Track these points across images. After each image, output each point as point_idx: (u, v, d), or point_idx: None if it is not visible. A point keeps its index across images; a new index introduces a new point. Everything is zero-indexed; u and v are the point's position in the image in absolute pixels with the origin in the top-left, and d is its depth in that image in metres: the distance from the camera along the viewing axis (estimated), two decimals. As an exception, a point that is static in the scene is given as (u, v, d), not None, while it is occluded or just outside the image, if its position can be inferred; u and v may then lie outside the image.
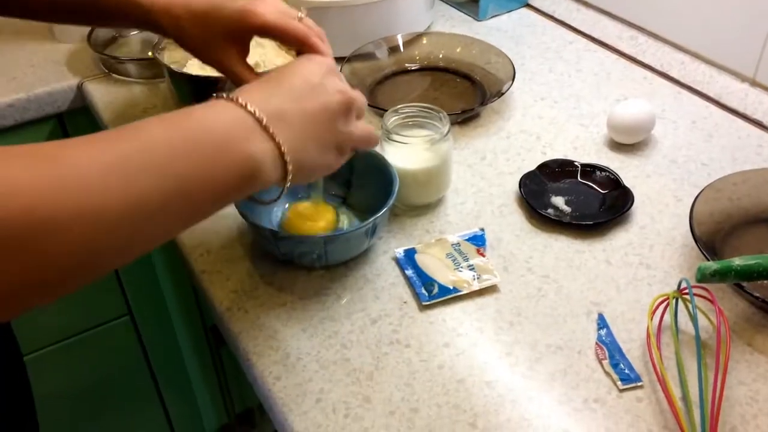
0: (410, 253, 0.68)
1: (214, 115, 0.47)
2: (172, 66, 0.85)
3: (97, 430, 1.29)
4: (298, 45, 0.60)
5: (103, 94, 0.94)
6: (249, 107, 0.47)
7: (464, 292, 0.64)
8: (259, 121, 0.47)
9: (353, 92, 0.55)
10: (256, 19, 0.59)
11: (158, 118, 0.45)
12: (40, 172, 0.38)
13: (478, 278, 0.65)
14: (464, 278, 0.65)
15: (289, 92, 0.51)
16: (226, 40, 0.63)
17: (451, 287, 0.64)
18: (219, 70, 0.65)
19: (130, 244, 0.42)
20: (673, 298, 0.59)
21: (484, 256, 0.67)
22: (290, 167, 0.49)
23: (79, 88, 0.97)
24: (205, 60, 0.66)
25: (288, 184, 0.50)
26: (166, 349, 1.27)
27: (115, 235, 0.40)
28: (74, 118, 1.01)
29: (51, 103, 0.97)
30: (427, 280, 0.65)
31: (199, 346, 1.07)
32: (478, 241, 0.69)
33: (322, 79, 0.53)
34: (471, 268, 0.66)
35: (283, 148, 0.48)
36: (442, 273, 0.65)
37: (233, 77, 0.64)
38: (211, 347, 0.95)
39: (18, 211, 0.36)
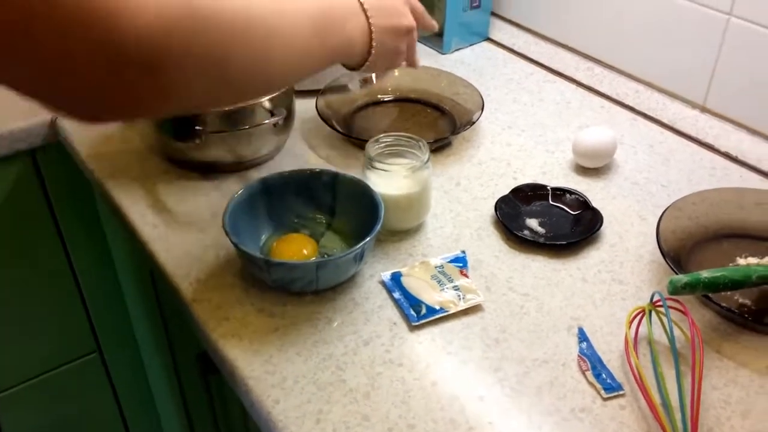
0: (396, 276, 0.70)
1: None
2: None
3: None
4: None
5: (77, 130, 0.94)
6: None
7: (451, 311, 0.67)
8: (365, 10, 0.66)
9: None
10: None
11: None
12: None
13: (462, 298, 0.68)
14: (449, 299, 0.68)
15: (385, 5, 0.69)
16: None
17: (438, 308, 0.67)
18: None
19: (258, 59, 0.52)
20: (648, 310, 0.63)
21: (467, 276, 0.70)
22: (374, 44, 0.67)
23: (52, 124, 0.97)
24: None
25: (371, 57, 0.68)
26: (135, 385, 1.26)
27: (252, 43, 0.50)
28: (47, 154, 1.01)
29: (23, 138, 0.97)
30: (414, 302, 0.67)
31: (170, 380, 1.06)
32: (460, 262, 0.72)
33: (404, 7, 0.72)
34: (455, 288, 0.69)
35: (372, 30, 0.66)
36: (428, 294, 0.68)
37: None
38: (179, 376, 0.95)
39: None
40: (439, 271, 0.71)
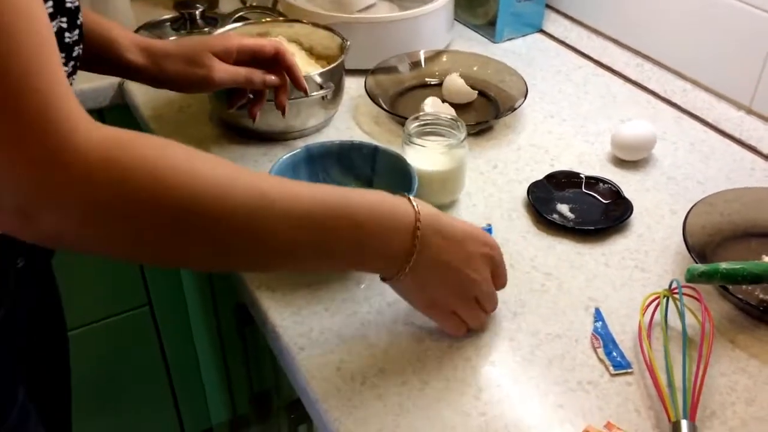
0: None
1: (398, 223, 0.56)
2: (211, 68, 0.91)
3: (105, 416, 1.34)
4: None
5: (143, 93, 1.01)
6: (418, 225, 0.56)
7: None
8: (416, 236, 0.56)
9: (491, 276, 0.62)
10: (214, 86, 0.79)
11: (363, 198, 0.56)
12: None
13: None
14: None
15: (449, 247, 0.59)
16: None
17: None
18: None
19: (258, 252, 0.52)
20: (664, 296, 0.65)
21: None
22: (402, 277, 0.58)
23: (120, 87, 1.04)
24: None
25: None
26: (181, 338, 1.33)
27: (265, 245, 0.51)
28: (114, 114, 1.08)
29: (94, 98, 1.04)
30: None
31: (211, 331, 1.13)
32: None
33: (478, 260, 0.60)
34: None
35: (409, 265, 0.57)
36: None
37: None
38: (221, 328, 1.01)
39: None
40: None
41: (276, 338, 0.65)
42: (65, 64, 0.56)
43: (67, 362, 0.84)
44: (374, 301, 0.69)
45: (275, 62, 0.81)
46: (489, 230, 0.76)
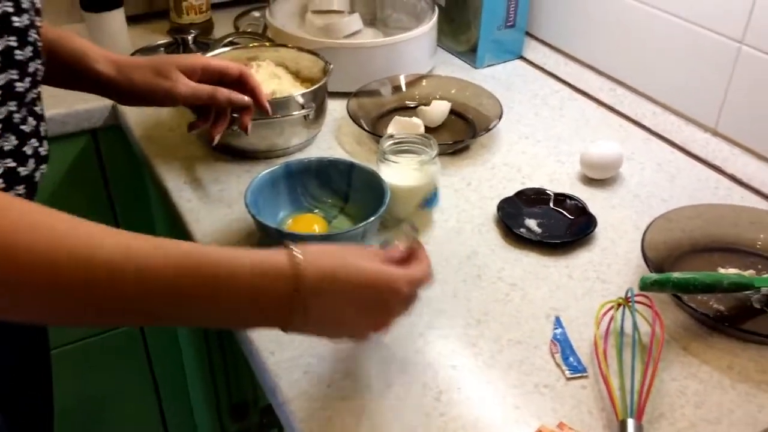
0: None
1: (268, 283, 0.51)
2: (198, 90, 0.96)
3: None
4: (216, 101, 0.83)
5: (135, 114, 1.05)
6: (302, 296, 0.51)
7: None
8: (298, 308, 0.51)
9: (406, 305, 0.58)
10: (178, 99, 0.81)
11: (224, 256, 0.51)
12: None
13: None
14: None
15: (351, 300, 0.54)
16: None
17: None
18: None
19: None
20: (619, 304, 0.68)
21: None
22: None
23: (114, 107, 1.09)
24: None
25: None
26: (169, 353, 1.36)
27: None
28: (107, 134, 1.12)
29: (87, 119, 1.09)
30: None
31: (198, 342, 1.15)
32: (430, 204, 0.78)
33: (388, 305, 0.56)
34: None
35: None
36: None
37: None
38: (208, 338, 1.04)
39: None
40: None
41: (248, 343, 0.68)
42: (20, 80, 0.59)
43: (50, 383, 0.86)
44: (345, 309, 0.72)
45: (240, 84, 0.84)
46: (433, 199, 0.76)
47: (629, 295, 0.68)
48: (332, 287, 0.53)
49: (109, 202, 1.18)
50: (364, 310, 0.55)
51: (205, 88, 0.82)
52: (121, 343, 1.31)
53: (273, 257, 0.52)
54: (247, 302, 0.51)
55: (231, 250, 0.52)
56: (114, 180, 1.17)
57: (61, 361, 1.25)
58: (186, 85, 0.81)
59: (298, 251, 0.52)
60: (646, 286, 0.67)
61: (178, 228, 0.87)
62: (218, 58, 0.96)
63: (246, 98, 0.84)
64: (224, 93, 0.82)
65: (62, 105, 1.06)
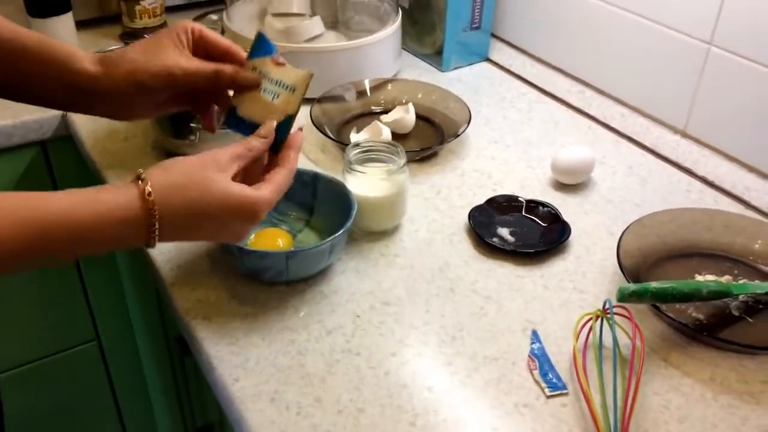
0: (233, 112, 0.67)
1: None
2: (153, 98, 0.91)
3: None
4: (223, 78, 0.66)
5: (86, 124, 1.00)
6: (152, 213, 0.53)
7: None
8: (150, 226, 0.54)
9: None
10: (180, 75, 0.65)
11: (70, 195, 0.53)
12: None
13: (290, 89, 0.65)
14: (281, 101, 0.65)
15: (197, 219, 0.56)
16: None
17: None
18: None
19: None
20: (597, 316, 0.66)
21: (282, 64, 0.67)
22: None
23: (63, 118, 1.03)
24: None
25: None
26: (129, 371, 1.30)
27: None
28: (57, 146, 1.06)
29: (36, 129, 1.03)
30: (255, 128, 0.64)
31: (161, 364, 1.10)
32: (264, 50, 0.66)
33: (239, 225, 0.59)
34: (278, 83, 0.65)
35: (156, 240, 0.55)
36: (264, 111, 0.65)
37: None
38: (172, 359, 0.99)
39: None
40: (267, 81, 0.66)
41: (210, 370, 0.64)
42: None
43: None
44: (312, 329, 0.68)
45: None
46: (268, 45, 0.67)
47: (607, 306, 0.66)
48: (188, 225, 0.56)
49: (61, 217, 1.12)
50: (221, 232, 0.59)
51: (209, 65, 0.66)
52: (81, 363, 1.25)
53: (124, 210, 0.53)
54: (104, 248, 0.55)
55: (77, 202, 0.53)
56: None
57: (13, 384, 1.19)
58: (189, 58, 0.66)
59: (150, 196, 0.53)
60: (624, 297, 0.64)
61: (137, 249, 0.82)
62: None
63: (253, 76, 0.67)
64: (229, 69, 0.66)
65: (7, 116, 1.01)
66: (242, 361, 0.64)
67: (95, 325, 1.25)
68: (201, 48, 0.68)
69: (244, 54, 0.68)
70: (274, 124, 0.65)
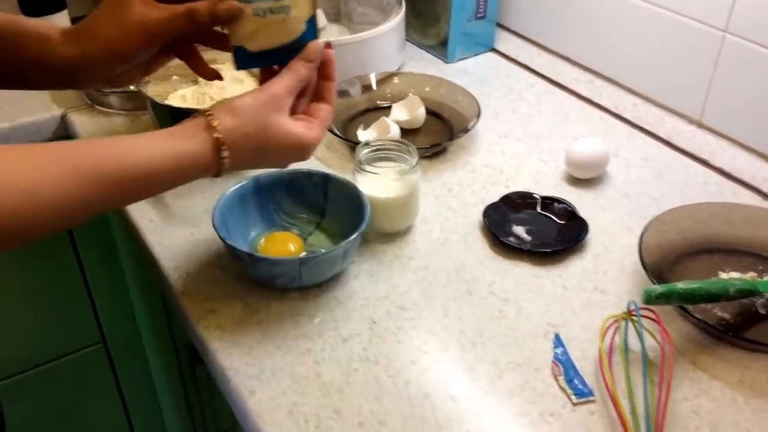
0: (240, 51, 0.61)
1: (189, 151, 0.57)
2: (155, 98, 0.89)
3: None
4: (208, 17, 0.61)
5: (86, 125, 0.98)
6: (223, 160, 0.58)
7: None
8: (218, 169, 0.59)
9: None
10: (152, 30, 0.60)
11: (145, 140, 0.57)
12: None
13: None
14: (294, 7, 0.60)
15: (261, 155, 0.61)
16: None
17: None
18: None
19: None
20: (623, 319, 0.64)
21: None
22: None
23: (63, 119, 1.01)
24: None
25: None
26: (137, 375, 1.29)
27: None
28: (56, 147, 1.04)
29: (35, 132, 1.00)
30: None
31: (171, 372, 1.08)
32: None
33: (292, 160, 0.65)
34: None
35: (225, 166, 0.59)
36: (277, 33, 0.61)
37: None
38: (181, 368, 0.98)
39: None
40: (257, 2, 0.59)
41: (225, 381, 0.62)
42: None
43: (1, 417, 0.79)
44: (328, 336, 0.66)
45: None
46: None
47: (632, 308, 0.64)
48: (248, 164, 0.64)
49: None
50: (271, 165, 0.66)
51: (177, 6, 0.60)
52: (87, 366, 1.23)
53: (199, 157, 0.57)
54: (167, 189, 0.59)
55: (152, 154, 0.56)
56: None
57: (14, 390, 1.17)
58: (156, 6, 0.60)
59: (223, 146, 0.57)
60: (650, 299, 0.62)
61: (142, 250, 0.80)
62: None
63: (236, 5, 0.59)
64: (203, 5, 0.59)
65: (4, 118, 0.98)
66: (257, 372, 0.62)
67: (100, 326, 1.23)
68: None
69: None
70: (321, 44, 0.63)
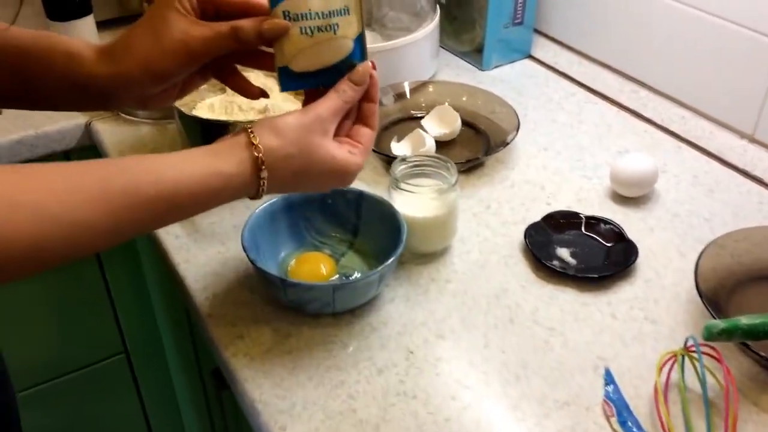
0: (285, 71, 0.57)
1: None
2: (181, 108, 0.85)
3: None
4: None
5: (111, 134, 0.95)
6: (262, 181, 0.54)
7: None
8: (257, 190, 0.55)
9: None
10: (194, 49, 0.56)
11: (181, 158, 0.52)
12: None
13: (344, 11, 0.56)
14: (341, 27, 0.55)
15: (302, 180, 0.57)
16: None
17: None
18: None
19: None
20: (681, 355, 0.60)
21: None
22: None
23: (87, 127, 0.98)
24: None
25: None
26: (160, 389, 1.26)
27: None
28: (81, 156, 1.01)
29: (59, 140, 0.98)
30: None
31: (195, 390, 1.06)
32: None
33: (332, 185, 0.60)
34: (324, 15, 0.55)
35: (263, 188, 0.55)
36: (324, 53, 0.57)
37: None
38: (206, 391, 0.95)
39: None
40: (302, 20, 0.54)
41: (255, 415, 0.59)
42: None
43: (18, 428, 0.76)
44: (362, 367, 0.62)
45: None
46: None
47: (691, 344, 0.59)
48: (288, 187, 0.59)
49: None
50: (312, 189, 0.63)
51: (222, 24, 0.56)
52: (108, 376, 1.21)
53: (237, 176, 0.53)
54: (209, 206, 0.54)
55: (188, 162, 0.52)
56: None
57: (33, 401, 1.15)
58: (199, 24, 0.56)
59: (263, 165, 0.53)
60: (712, 335, 0.58)
61: (167, 268, 0.77)
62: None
63: (283, 23, 0.55)
64: (249, 24, 0.55)
65: (30, 126, 0.96)
66: (288, 407, 0.59)
67: (123, 337, 1.20)
68: (210, 7, 0.58)
69: (262, 0, 0.56)
70: (369, 66, 0.58)
